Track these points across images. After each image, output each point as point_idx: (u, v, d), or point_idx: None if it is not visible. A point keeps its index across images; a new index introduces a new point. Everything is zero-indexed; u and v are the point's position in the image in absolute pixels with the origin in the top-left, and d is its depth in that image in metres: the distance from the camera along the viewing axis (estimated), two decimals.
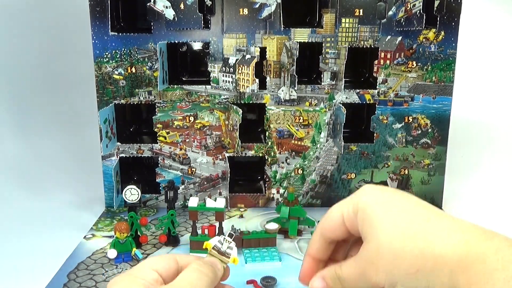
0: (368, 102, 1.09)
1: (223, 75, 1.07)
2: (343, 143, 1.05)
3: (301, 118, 1.10)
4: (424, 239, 0.38)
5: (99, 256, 0.89)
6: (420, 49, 1.06)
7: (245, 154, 1.11)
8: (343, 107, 1.04)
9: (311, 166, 1.13)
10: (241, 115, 1.06)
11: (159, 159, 1.11)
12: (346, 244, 0.48)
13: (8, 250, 0.94)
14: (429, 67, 1.07)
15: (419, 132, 1.11)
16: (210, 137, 1.11)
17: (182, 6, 1.00)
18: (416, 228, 0.39)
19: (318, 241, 0.47)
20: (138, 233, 0.91)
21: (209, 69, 1.07)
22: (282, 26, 1.03)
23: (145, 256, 0.89)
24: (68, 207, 1.14)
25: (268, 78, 1.08)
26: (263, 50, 1.05)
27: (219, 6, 1.03)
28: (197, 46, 1.12)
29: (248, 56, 1.05)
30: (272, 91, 1.09)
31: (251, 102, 1.09)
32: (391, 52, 1.06)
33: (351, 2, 1.03)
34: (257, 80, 1.06)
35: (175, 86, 1.09)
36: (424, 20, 0.98)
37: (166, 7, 1.00)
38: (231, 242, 0.49)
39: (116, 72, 1.05)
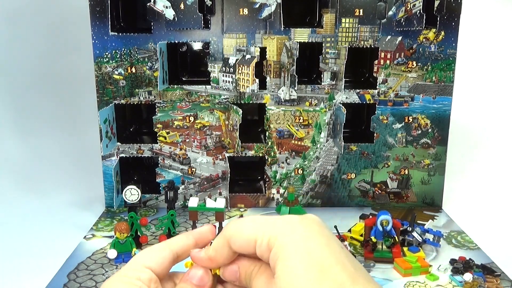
0: (368, 102, 1.09)
1: (223, 75, 1.07)
2: (343, 143, 1.05)
3: (301, 118, 1.10)
4: None
5: (99, 256, 0.89)
6: (420, 49, 1.06)
7: (245, 154, 1.11)
8: (343, 107, 1.04)
9: (311, 166, 1.13)
10: (241, 115, 1.06)
11: (159, 159, 1.11)
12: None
13: (8, 250, 0.94)
14: (429, 67, 1.07)
15: (419, 132, 1.10)
16: (210, 137, 1.11)
17: (182, 6, 1.00)
18: None
19: (223, 250, 0.43)
20: (138, 233, 0.91)
21: (209, 69, 1.07)
22: (282, 26, 1.03)
23: None
24: (68, 207, 1.14)
25: (268, 78, 1.08)
26: (263, 50, 1.05)
27: (219, 6, 1.03)
28: (197, 46, 1.12)
29: (248, 56, 1.05)
30: (272, 91, 1.09)
31: (251, 102, 1.09)
32: (391, 52, 1.06)
33: (351, 2, 1.03)
34: (257, 80, 1.06)
35: (175, 86, 1.09)
36: (424, 20, 0.98)
37: (166, 7, 1.00)
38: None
39: (116, 72, 1.05)
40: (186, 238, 0.47)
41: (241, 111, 1.06)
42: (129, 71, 1.05)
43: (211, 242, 0.45)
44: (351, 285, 0.36)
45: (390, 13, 1.04)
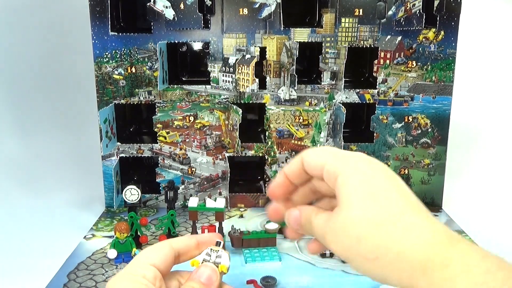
0: (368, 102, 1.09)
1: (223, 75, 1.07)
2: (343, 143, 1.05)
3: (301, 118, 1.10)
4: (393, 232, 0.38)
5: (99, 256, 0.89)
6: (420, 49, 1.06)
7: (245, 154, 1.11)
8: (343, 107, 1.04)
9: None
10: (241, 115, 1.06)
11: (159, 159, 1.11)
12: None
13: (8, 250, 0.94)
14: (429, 66, 1.07)
15: (419, 132, 1.11)
16: (210, 137, 1.11)
17: (182, 6, 1.00)
18: (389, 218, 0.38)
19: (297, 168, 0.47)
20: (138, 233, 0.91)
21: (209, 69, 1.07)
22: (282, 26, 1.03)
23: None
24: (68, 207, 1.14)
25: (268, 78, 1.08)
26: (263, 50, 1.05)
27: (219, 6, 1.03)
28: (197, 46, 1.12)
29: (248, 56, 1.05)
30: (272, 91, 1.09)
31: (251, 102, 1.09)
32: (391, 52, 1.06)
33: (351, 2, 1.03)
34: (257, 80, 1.06)
35: (175, 86, 1.09)
36: (423, 19, 0.98)
37: (166, 7, 1.00)
38: (218, 250, 0.46)
39: (116, 72, 1.05)
40: (188, 239, 0.47)
41: (241, 111, 1.06)
42: (129, 71, 1.05)
43: (217, 242, 0.46)
44: (410, 212, 0.39)
45: (390, 13, 1.04)
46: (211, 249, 0.46)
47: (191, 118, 1.10)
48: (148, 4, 1.00)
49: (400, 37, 1.05)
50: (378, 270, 0.38)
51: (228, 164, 1.11)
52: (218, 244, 0.47)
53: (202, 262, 0.46)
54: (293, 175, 0.47)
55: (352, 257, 0.39)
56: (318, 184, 0.47)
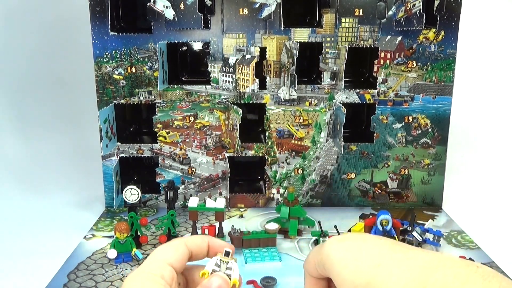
0: (368, 102, 1.09)
1: (223, 75, 1.07)
2: (343, 143, 1.05)
3: (301, 118, 1.10)
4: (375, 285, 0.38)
5: (99, 256, 0.89)
6: (420, 49, 1.06)
7: (245, 154, 1.11)
8: (343, 107, 1.04)
9: (311, 166, 1.13)
10: (241, 115, 1.06)
11: (159, 159, 1.11)
12: None
13: (8, 250, 0.94)
14: (429, 67, 1.07)
15: (419, 132, 1.11)
16: (210, 137, 1.11)
17: (182, 6, 1.00)
18: (370, 273, 0.39)
19: (308, 278, 0.48)
20: (138, 233, 0.91)
21: (209, 69, 1.07)
22: (282, 26, 1.03)
23: (145, 257, 0.89)
24: (68, 207, 1.14)
25: (268, 78, 1.08)
26: (263, 50, 1.05)
27: (219, 6, 1.03)
28: (197, 46, 1.12)
29: (248, 56, 1.05)
30: (272, 91, 1.09)
31: (251, 102, 1.09)
32: (391, 52, 1.06)
33: (351, 2, 1.03)
34: (257, 80, 1.06)
35: (175, 86, 1.09)
36: (424, 20, 0.98)
37: (166, 7, 1.00)
38: (228, 262, 0.44)
39: (116, 72, 1.05)
40: (201, 239, 0.47)
41: (241, 111, 1.06)
42: (129, 71, 1.05)
43: (226, 252, 0.45)
44: (386, 263, 0.39)
45: (390, 13, 1.04)
46: (221, 259, 0.44)
47: (191, 118, 1.10)
48: (148, 4, 1.00)
49: (400, 37, 1.05)
50: None
51: (228, 164, 1.11)
52: (227, 254, 0.45)
53: (212, 273, 0.44)
54: (312, 285, 0.48)
55: None
56: None
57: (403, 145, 1.11)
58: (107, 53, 1.04)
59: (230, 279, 0.44)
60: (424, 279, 0.36)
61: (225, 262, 0.44)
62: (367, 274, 0.39)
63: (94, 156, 1.19)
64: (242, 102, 1.08)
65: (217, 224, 0.91)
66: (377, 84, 1.07)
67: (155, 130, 1.10)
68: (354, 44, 1.05)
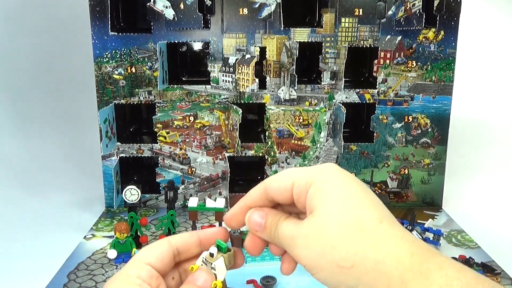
0: (368, 101, 1.09)
1: (223, 75, 1.07)
2: (343, 142, 1.05)
3: (301, 117, 1.10)
4: (370, 240, 0.36)
5: (99, 256, 0.89)
6: (420, 49, 1.06)
7: (245, 154, 1.11)
8: (343, 106, 1.04)
9: (311, 165, 1.12)
10: (241, 115, 1.06)
11: (159, 159, 1.11)
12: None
13: (8, 250, 0.94)
14: (429, 66, 1.07)
15: (419, 131, 1.11)
16: (210, 137, 1.11)
17: (182, 6, 1.00)
18: (366, 226, 0.37)
19: (259, 197, 0.44)
20: (138, 233, 0.91)
21: (209, 69, 1.07)
22: (282, 26, 1.03)
23: None
24: (68, 207, 1.14)
25: (268, 78, 1.08)
26: (263, 50, 1.05)
27: (219, 6, 1.03)
28: (197, 46, 1.12)
29: (248, 56, 1.05)
30: (272, 91, 1.09)
31: (251, 102, 1.09)
32: (391, 52, 1.06)
33: (351, 1, 1.03)
34: (257, 80, 1.06)
35: (175, 86, 1.09)
36: (423, 19, 0.98)
37: (166, 7, 1.00)
38: (211, 263, 0.44)
39: (116, 72, 1.05)
40: (189, 235, 0.47)
41: (241, 111, 1.06)
42: (129, 71, 1.05)
43: (211, 254, 0.45)
44: (387, 222, 0.38)
45: (390, 12, 1.04)
46: (205, 259, 0.44)
47: (191, 118, 1.10)
48: (148, 4, 1.00)
49: (400, 37, 1.05)
50: (352, 280, 0.36)
51: (228, 164, 1.11)
52: (211, 255, 0.44)
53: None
54: (255, 204, 0.45)
55: (324, 265, 0.37)
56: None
57: (403, 145, 1.11)
58: (107, 53, 1.04)
59: (216, 278, 0.43)
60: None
61: (210, 262, 0.44)
62: (364, 222, 0.37)
63: (94, 156, 1.19)
64: (242, 102, 1.08)
65: (217, 224, 0.91)
66: (377, 84, 1.07)
67: (155, 130, 1.10)
68: (354, 44, 1.05)
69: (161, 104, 1.09)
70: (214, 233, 0.47)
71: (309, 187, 0.40)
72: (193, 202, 0.90)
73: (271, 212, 0.44)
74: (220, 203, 0.90)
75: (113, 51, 1.04)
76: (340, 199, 0.39)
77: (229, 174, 1.12)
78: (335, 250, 0.37)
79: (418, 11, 0.99)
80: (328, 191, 0.39)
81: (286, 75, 1.08)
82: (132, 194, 0.91)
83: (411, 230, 0.90)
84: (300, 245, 0.39)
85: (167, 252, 0.45)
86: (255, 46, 1.05)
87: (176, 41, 1.05)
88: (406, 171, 1.13)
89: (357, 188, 0.40)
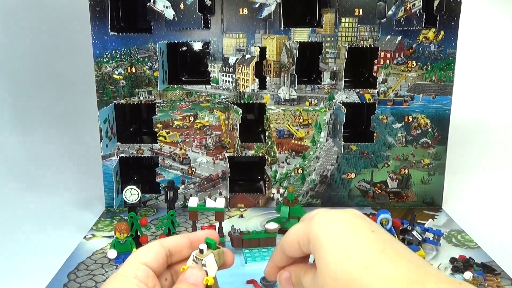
0: (368, 101, 1.09)
1: (223, 75, 1.07)
2: (343, 142, 1.05)
3: (301, 118, 1.10)
4: (360, 285, 0.38)
5: (99, 256, 0.89)
6: (420, 49, 1.06)
7: (245, 154, 1.11)
8: (343, 106, 1.04)
9: (311, 166, 1.13)
10: (241, 115, 1.06)
11: (159, 159, 1.11)
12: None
13: (8, 250, 0.94)
14: (429, 66, 1.07)
15: (419, 131, 1.11)
16: (210, 137, 1.11)
17: (182, 6, 1.00)
18: (357, 273, 0.39)
19: (280, 255, 0.48)
20: (138, 233, 0.91)
21: (209, 69, 1.07)
22: (282, 26, 1.03)
23: None
24: (68, 207, 1.14)
25: (268, 78, 1.08)
26: (263, 50, 1.05)
27: (219, 6, 1.03)
28: (197, 46, 1.12)
29: (248, 56, 1.05)
30: (272, 91, 1.09)
31: (251, 102, 1.09)
32: (391, 52, 1.06)
33: (351, 2, 1.03)
34: (257, 80, 1.06)
35: (175, 86, 1.09)
36: (423, 19, 0.98)
37: (166, 7, 1.00)
38: (202, 259, 0.45)
39: (116, 72, 1.05)
40: (180, 238, 0.48)
41: (241, 111, 1.06)
42: (129, 71, 1.05)
43: (200, 250, 0.45)
44: (375, 263, 0.39)
45: (390, 12, 1.04)
46: (196, 256, 0.45)
47: (191, 118, 1.10)
48: (148, 4, 1.00)
49: (400, 37, 1.05)
50: None
51: (228, 164, 1.11)
52: (201, 251, 0.45)
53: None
54: (283, 263, 0.49)
55: None
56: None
57: (403, 145, 1.11)
58: (107, 53, 1.04)
59: (207, 275, 0.44)
60: None
61: (200, 259, 0.45)
62: (352, 274, 0.39)
63: (94, 156, 1.19)
64: (242, 102, 1.08)
65: (217, 224, 0.91)
66: (377, 84, 1.07)
67: (155, 130, 1.10)
68: (354, 44, 1.05)
69: (161, 104, 1.09)
70: (204, 235, 0.48)
71: (310, 242, 0.43)
72: (193, 202, 0.90)
73: (293, 271, 0.48)
74: (220, 203, 0.90)
75: (113, 51, 1.04)
76: (338, 250, 0.41)
77: (229, 174, 1.12)
78: None
79: (418, 11, 0.99)
80: (322, 248, 0.42)
81: (286, 75, 1.08)
82: (132, 194, 0.91)
83: (411, 230, 0.91)
84: None
85: (160, 253, 0.46)
86: (255, 46, 1.05)
87: (176, 41, 1.05)
88: (406, 171, 1.13)
89: (348, 236, 0.42)
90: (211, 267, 0.45)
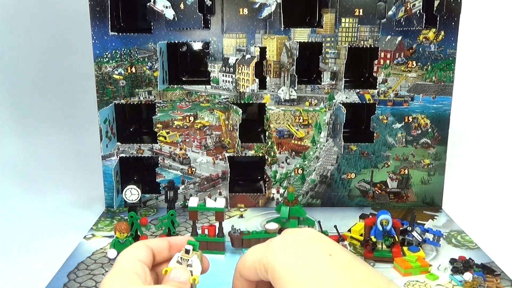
0: (368, 102, 1.09)
1: (223, 75, 1.07)
2: (343, 143, 1.05)
3: (301, 118, 1.10)
4: None
5: (99, 256, 0.89)
6: (420, 49, 1.06)
7: (245, 154, 1.11)
8: (343, 107, 1.04)
9: (311, 166, 1.13)
10: (241, 115, 1.06)
11: (159, 159, 1.11)
12: None
13: (8, 250, 0.94)
14: (429, 67, 1.07)
15: (419, 132, 1.11)
16: (210, 137, 1.11)
17: (182, 6, 1.00)
18: None
19: (241, 281, 0.48)
20: (138, 233, 0.91)
21: (209, 69, 1.07)
22: (282, 26, 1.03)
23: None
24: (68, 207, 1.14)
25: (268, 78, 1.08)
26: (263, 50, 1.05)
27: (219, 6, 1.03)
28: (197, 46, 1.12)
29: (248, 56, 1.05)
30: (272, 91, 1.09)
31: (251, 102, 1.09)
32: (391, 52, 1.06)
33: (351, 2, 1.03)
34: (257, 80, 1.06)
35: (175, 86, 1.09)
36: (424, 20, 0.98)
37: (166, 7, 1.00)
38: (188, 259, 0.46)
39: (116, 72, 1.05)
40: (160, 240, 0.49)
41: (241, 111, 1.06)
42: (129, 71, 1.05)
43: (186, 250, 0.47)
44: (340, 280, 0.39)
45: (390, 13, 1.04)
46: (181, 257, 0.46)
47: (191, 118, 1.10)
48: (148, 4, 1.00)
49: (400, 37, 1.05)
50: None
51: (228, 164, 1.11)
52: (187, 252, 0.46)
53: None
54: (252, 279, 0.47)
55: None
56: None
57: (403, 145, 1.11)
58: (107, 53, 1.04)
59: (192, 275, 0.45)
60: None
61: (186, 259, 0.46)
62: None
63: (94, 156, 1.19)
64: (242, 102, 1.08)
65: (217, 224, 0.91)
66: (377, 84, 1.07)
67: (155, 130, 1.10)
68: (354, 44, 1.05)
69: (161, 104, 1.09)
70: (183, 239, 0.49)
71: (267, 271, 0.43)
72: (193, 202, 0.90)
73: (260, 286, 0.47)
74: (220, 203, 0.90)
75: (113, 51, 1.04)
76: (291, 286, 0.40)
77: (229, 174, 1.12)
78: None
79: (418, 11, 0.99)
80: (280, 279, 0.41)
81: (286, 75, 1.08)
82: (132, 194, 0.91)
83: (411, 231, 0.90)
84: None
85: (149, 252, 0.47)
86: (255, 46, 1.05)
87: (176, 41, 1.05)
88: (406, 171, 1.13)
89: (305, 265, 0.41)
90: (196, 267, 0.46)
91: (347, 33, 1.05)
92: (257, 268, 0.44)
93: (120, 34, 1.03)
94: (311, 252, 0.42)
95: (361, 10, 1.03)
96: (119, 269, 0.43)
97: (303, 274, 0.40)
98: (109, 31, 1.02)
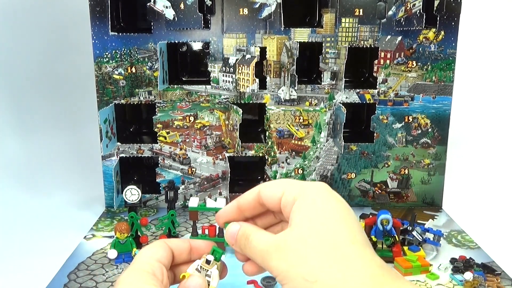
0: (368, 102, 1.09)
1: (223, 75, 1.07)
2: (343, 143, 1.05)
3: (301, 118, 1.10)
4: (337, 259, 0.38)
5: (99, 256, 0.89)
6: (420, 49, 1.06)
7: (245, 154, 1.11)
8: (343, 107, 1.04)
9: (311, 166, 1.13)
10: (241, 115, 1.06)
11: (159, 159, 1.11)
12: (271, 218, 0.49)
13: (8, 250, 0.94)
14: (429, 66, 1.07)
15: (419, 132, 1.11)
16: (210, 137, 1.11)
17: (182, 6, 1.00)
18: (338, 245, 0.39)
19: (252, 199, 0.47)
20: (139, 233, 0.91)
21: (209, 69, 1.07)
22: (282, 26, 1.03)
23: None
24: (68, 207, 1.14)
25: (268, 78, 1.08)
26: (263, 50, 1.05)
27: (219, 6, 1.03)
28: (197, 46, 1.12)
29: (248, 56, 1.05)
30: (272, 91, 1.09)
31: (251, 102, 1.09)
32: (391, 52, 1.06)
33: (351, 2, 1.03)
34: (257, 80, 1.06)
35: (175, 86, 1.09)
36: (424, 19, 0.98)
37: (166, 7, 1.00)
38: (208, 270, 0.46)
39: (116, 72, 1.05)
40: (182, 241, 0.48)
41: (241, 111, 1.06)
42: (129, 71, 1.05)
43: (207, 260, 0.46)
44: (357, 246, 0.40)
45: (390, 13, 1.04)
46: (201, 266, 0.46)
47: (191, 118, 1.10)
48: (148, 4, 1.00)
49: (400, 37, 1.05)
50: None
51: (228, 164, 1.11)
52: (208, 262, 0.46)
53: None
54: (247, 206, 0.48)
55: (292, 277, 0.39)
56: (269, 221, 0.49)
57: (403, 145, 1.11)
58: (107, 53, 1.04)
59: (208, 285, 0.45)
60: None
61: (205, 269, 0.46)
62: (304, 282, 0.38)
63: (94, 156, 1.19)
64: (242, 102, 1.08)
65: (217, 224, 0.91)
66: (377, 84, 1.07)
67: (155, 130, 1.10)
68: (354, 44, 1.05)
69: (161, 104, 1.09)
70: (205, 245, 0.49)
71: (295, 201, 0.43)
72: (193, 202, 0.90)
73: (245, 225, 0.47)
74: (220, 203, 0.90)
75: (113, 51, 1.04)
76: (319, 217, 0.41)
77: (229, 174, 1.12)
78: (304, 263, 0.39)
79: (418, 11, 0.99)
80: (311, 209, 0.42)
81: (286, 75, 1.08)
82: (132, 194, 0.91)
83: (411, 231, 0.90)
84: (273, 256, 0.42)
85: (169, 252, 0.46)
86: (255, 46, 1.05)
87: (176, 41, 1.05)
88: (406, 171, 1.13)
89: (339, 210, 0.42)
90: (214, 278, 0.46)
91: (347, 33, 1.05)
92: (286, 192, 0.44)
93: (120, 34, 1.03)
94: (340, 205, 0.43)
95: (361, 10, 1.03)
96: (137, 268, 0.43)
97: (328, 222, 0.41)
98: (109, 31, 1.02)
